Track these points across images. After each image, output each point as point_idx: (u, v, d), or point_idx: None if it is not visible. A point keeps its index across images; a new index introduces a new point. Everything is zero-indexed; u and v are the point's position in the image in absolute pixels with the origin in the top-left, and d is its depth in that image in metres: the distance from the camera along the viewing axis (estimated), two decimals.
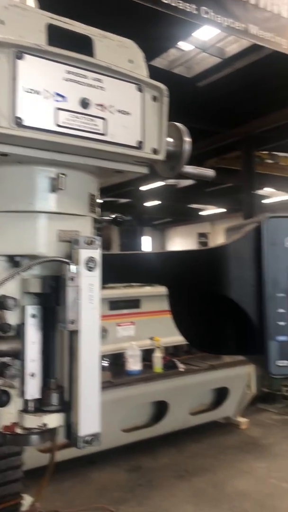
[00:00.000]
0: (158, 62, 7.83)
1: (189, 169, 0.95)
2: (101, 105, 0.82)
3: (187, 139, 0.91)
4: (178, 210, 21.09)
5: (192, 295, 1.07)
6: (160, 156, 0.89)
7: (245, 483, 4.28)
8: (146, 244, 22.98)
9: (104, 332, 4.90)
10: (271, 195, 17.71)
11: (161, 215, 21.80)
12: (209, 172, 1.00)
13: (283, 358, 0.93)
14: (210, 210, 20.97)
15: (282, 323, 0.93)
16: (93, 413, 0.84)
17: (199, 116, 9.83)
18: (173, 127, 0.93)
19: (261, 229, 0.94)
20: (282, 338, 0.93)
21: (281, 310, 0.93)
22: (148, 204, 17.77)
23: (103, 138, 0.82)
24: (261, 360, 0.95)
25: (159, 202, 18.18)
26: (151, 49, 7.15)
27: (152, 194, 16.24)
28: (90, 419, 0.84)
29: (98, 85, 0.82)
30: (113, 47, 0.89)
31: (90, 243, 0.85)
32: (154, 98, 0.89)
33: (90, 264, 0.85)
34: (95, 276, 0.86)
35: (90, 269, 0.85)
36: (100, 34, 0.88)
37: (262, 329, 0.93)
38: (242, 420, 5.59)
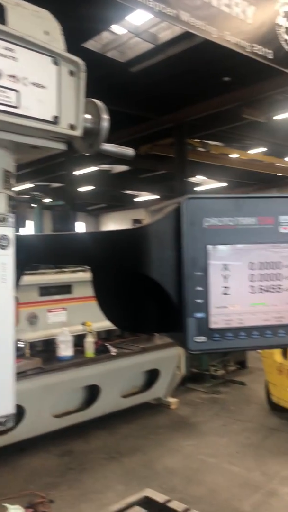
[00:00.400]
0: (91, 44, 7.69)
1: (108, 147, 0.95)
2: (13, 77, 0.78)
3: (105, 116, 0.90)
4: (112, 196, 21.05)
5: (114, 276, 1.07)
6: (77, 132, 0.87)
7: (174, 461, 4.43)
8: (80, 229, 22.74)
9: (34, 318, 4.81)
10: (202, 183, 18.16)
11: (95, 200, 21.64)
12: (129, 151, 0.99)
13: (200, 334, 0.95)
14: (144, 197, 21.14)
15: (199, 301, 0.95)
16: (7, 394, 0.83)
17: (132, 101, 9.81)
18: (91, 103, 0.92)
19: (180, 210, 0.95)
20: (199, 315, 0.95)
21: (199, 288, 0.95)
22: (82, 189, 17.55)
23: (16, 111, 0.79)
24: (180, 337, 0.97)
25: (93, 187, 18.03)
26: (83, 30, 7.03)
27: (85, 179, 16.06)
28: (3, 400, 0.82)
29: (10, 55, 0.78)
30: (27, 17, 0.85)
31: (2, 220, 0.83)
32: (71, 73, 0.86)
33: (2, 242, 0.82)
34: (8, 254, 0.83)
35: (2, 247, 0.82)
36: (13, 1, 0.83)
37: (181, 307, 0.95)
38: (172, 400, 5.76)
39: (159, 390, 5.61)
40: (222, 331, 0.96)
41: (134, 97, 9.61)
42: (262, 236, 0.98)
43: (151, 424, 5.29)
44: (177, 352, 5.53)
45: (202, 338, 0.95)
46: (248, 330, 0.97)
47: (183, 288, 0.95)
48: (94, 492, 3.88)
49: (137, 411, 5.46)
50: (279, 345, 0.99)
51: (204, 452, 4.60)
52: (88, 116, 0.91)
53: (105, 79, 8.21)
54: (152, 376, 5.54)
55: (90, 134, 0.90)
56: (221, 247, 0.96)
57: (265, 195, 1.00)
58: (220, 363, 6.86)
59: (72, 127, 0.86)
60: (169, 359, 5.49)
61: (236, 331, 0.97)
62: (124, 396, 5.28)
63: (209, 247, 0.95)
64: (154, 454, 4.55)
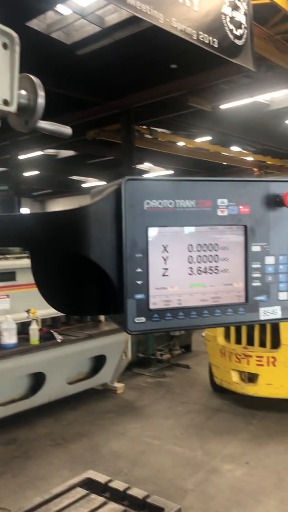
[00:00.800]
0: (35, 23, 7.44)
1: (45, 124, 0.92)
2: None
3: (41, 92, 0.88)
4: (58, 182, 20.66)
5: (54, 258, 1.06)
6: (12, 108, 0.84)
7: (120, 444, 4.49)
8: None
9: None
10: (150, 170, 18.22)
11: (40, 185, 21.16)
12: (67, 130, 0.97)
13: (140, 315, 0.96)
14: (91, 183, 20.92)
15: (139, 282, 0.96)
16: None
17: (79, 85, 9.62)
18: (27, 79, 0.89)
19: (120, 191, 0.95)
20: (139, 296, 0.96)
21: (139, 270, 0.96)
22: (27, 174, 17.10)
23: None
24: (120, 318, 0.98)
25: (38, 172, 17.61)
26: (27, 8, 6.79)
27: (31, 164, 15.64)
28: None
29: None
30: None
31: None
32: (4, 46, 0.83)
33: None
34: None
35: None
36: None
37: (121, 288, 0.95)
38: (119, 385, 5.82)
39: (105, 375, 5.64)
40: (162, 312, 0.97)
41: (80, 81, 9.44)
42: (200, 219, 1.00)
43: (97, 410, 5.32)
44: (124, 338, 5.57)
45: (141, 319, 0.96)
46: (187, 310, 0.99)
47: (123, 270, 0.95)
48: (39, 479, 3.86)
49: (83, 397, 5.47)
50: (216, 324, 1.02)
51: (149, 434, 4.69)
52: (23, 92, 0.88)
53: (51, 61, 8.00)
54: (98, 362, 5.55)
55: (26, 110, 0.87)
56: (161, 229, 0.97)
57: (203, 178, 1.01)
58: (166, 348, 6.99)
59: (5, 102, 0.84)
60: (115, 345, 5.53)
61: (175, 311, 0.98)
62: (70, 383, 5.27)
63: (149, 229, 0.96)
64: (99, 439, 4.59)
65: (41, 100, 0.89)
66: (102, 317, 5.92)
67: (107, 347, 5.42)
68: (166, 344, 7.04)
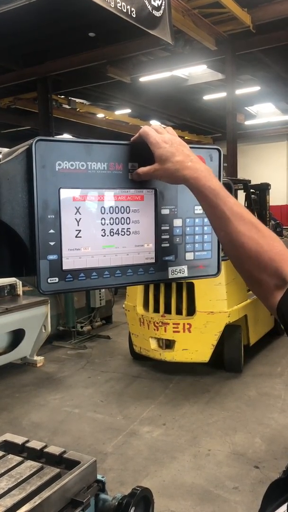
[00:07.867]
0: None
1: None
2: None
3: None
4: None
5: None
6: None
7: (40, 415, 4.50)
8: None
9: None
10: None
11: None
12: None
13: (53, 275, 0.97)
14: None
15: (52, 243, 0.96)
16: None
17: None
18: None
19: (31, 152, 0.94)
20: (52, 257, 0.97)
21: (52, 231, 0.96)
22: None
23: None
24: (34, 280, 0.98)
25: None
26: None
27: None
28: None
29: None
30: None
31: None
32: None
33: None
34: None
35: None
36: None
37: (34, 250, 0.95)
38: (38, 358, 5.79)
39: (24, 350, 5.58)
40: (75, 272, 0.99)
41: None
42: (112, 182, 1.02)
43: (16, 383, 5.27)
44: (44, 311, 5.53)
45: (54, 279, 0.97)
46: (100, 270, 1.02)
47: (35, 231, 0.94)
48: None
49: (2, 372, 5.38)
50: (128, 283, 1.06)
51: (69, 404, 4.75)
52: None
53: None
54: (17, 336, 5.47)
55: None
56: (73, 190, 0.98)
57: (114, 141, 1.03)
58: (87, 320, 7.04)
59: None
60: (35, 318, 5.47)
61: (88, 271, 1.00)
62: None
63: (62, 190, 0.96)
64: (19, 411, 4.57)
65: None
66: (20, 291, 5.80)
67: (26, 320, 5.35)
68: (87, 316, 7.09)
